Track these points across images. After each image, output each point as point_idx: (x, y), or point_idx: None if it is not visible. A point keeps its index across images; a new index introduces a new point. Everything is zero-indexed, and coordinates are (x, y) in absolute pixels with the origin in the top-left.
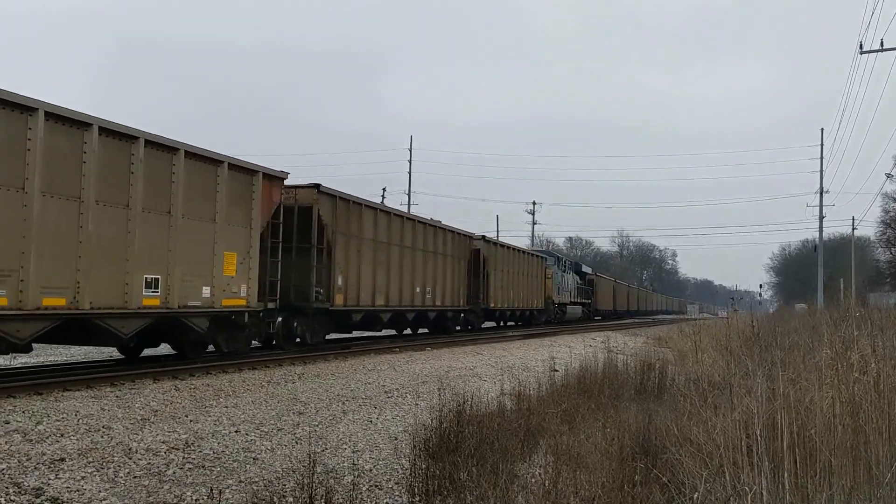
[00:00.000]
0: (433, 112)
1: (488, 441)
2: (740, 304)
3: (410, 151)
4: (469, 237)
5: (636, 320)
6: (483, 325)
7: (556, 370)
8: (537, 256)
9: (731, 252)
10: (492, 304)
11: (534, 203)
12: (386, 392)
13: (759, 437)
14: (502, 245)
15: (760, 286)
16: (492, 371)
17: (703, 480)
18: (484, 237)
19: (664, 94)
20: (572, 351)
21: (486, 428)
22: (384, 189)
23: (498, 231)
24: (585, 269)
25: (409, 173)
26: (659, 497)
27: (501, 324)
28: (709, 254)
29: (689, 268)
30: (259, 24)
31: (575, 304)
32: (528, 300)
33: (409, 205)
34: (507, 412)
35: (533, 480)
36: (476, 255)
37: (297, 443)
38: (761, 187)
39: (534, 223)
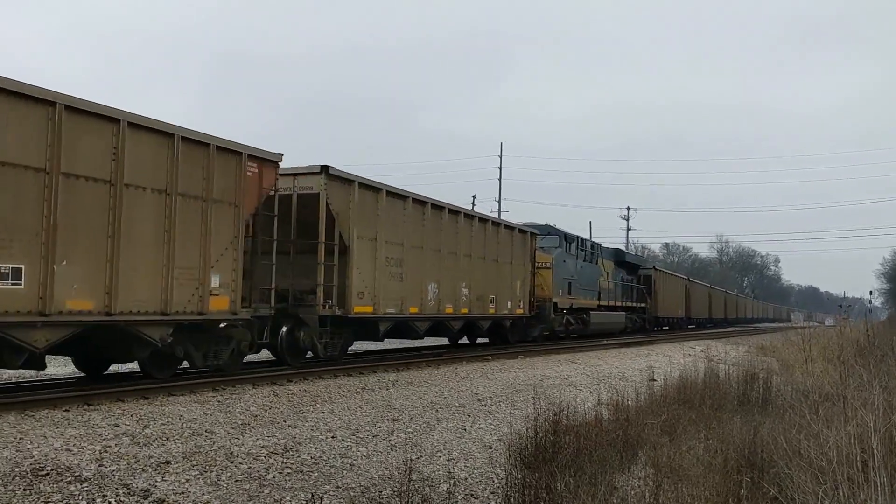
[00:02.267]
0: (523, 116)
1: (586, 451)
2: (850, 312)
3: (501, 158)
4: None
5: (735, 329)
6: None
7: (655, 380)
8: (517, 231)
9: (839, 257)
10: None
11: (628, 209)
12: (479, 400)
13: (875, 452)
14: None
15: (871, 293)
16: (587, 380)
17: (816, 496)
18: None
19: (764, 97)
20: (671, 360)
21: (583, 438)
22: (474, 196)
23: (591, 237)
24: (635, 259)
25: (500, 180)
26: None
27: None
28: (814, 259)
29: (793, 274)
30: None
31: (611, 308)
32: (487, 302)
33: (499, 211)
34: (604, 422)
35: (633, 493)
36: None
37: (392, 450)
38: (870, 190)
39: (628, 229)
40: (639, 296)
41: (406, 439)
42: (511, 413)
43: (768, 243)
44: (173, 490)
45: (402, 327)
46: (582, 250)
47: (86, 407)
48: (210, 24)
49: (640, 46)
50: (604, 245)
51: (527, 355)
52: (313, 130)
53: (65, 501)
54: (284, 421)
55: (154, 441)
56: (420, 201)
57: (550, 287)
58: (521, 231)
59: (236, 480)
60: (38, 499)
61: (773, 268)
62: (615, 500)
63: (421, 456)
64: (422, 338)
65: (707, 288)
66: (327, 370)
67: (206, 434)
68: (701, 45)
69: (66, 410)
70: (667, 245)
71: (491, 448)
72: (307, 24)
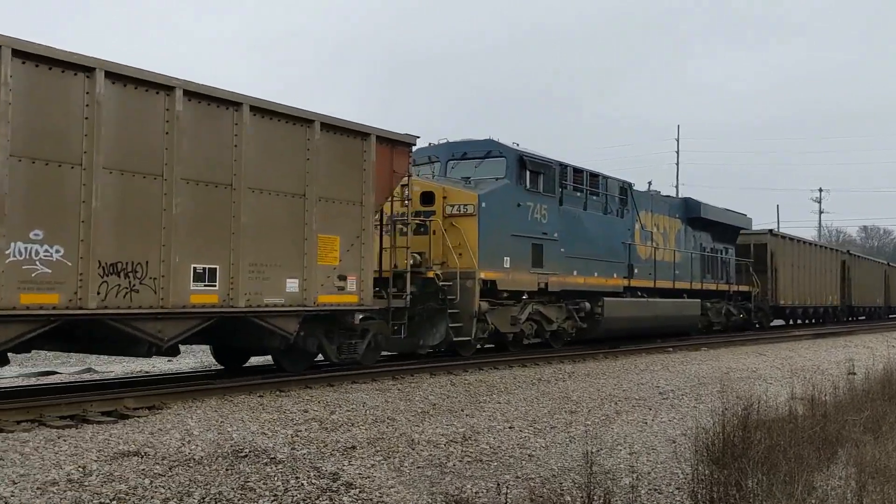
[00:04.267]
0: (701, 94)
1: (779, 448)
2: None
3: (678, 142)
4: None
5: None
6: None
7: (854, 373)
8: (327, 131)
9: None
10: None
11: (820, 190)
12: (660, 393)
13: None
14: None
15: None
16: (778, 373)
17: None
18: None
19: None
20: (873, 352)
21: (776, 434)
22: (649, 183)
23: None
24: (731, 219)
25: (677, 164)
26: None
27: None
28: None
29: None
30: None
31: (667, 292)
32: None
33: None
34: (798, 418)
35: (833, 493)
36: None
37: (571, 441)
38: None
39: (820, 212)
40: (738, 274)
41: (585, 431)
42: (696, 407)
43: None
44: (360, 474)
45: None
46: (580, 191)
47: (278, 393)
48: (363, 33)
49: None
50: (661, 193)
51: (711, 346)
52: (481, 123)
53: (262, 481)
54: (462, 410)
55: (340, 426)
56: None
57: (473, 250)
58: (346, 132)
59: (418, 467)
60: (239, 478)
61: None
62: (814, 501)
63: (601, 449)
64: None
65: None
66: (502, 360)
67: (388, 421)
68: None
69: (260, 396)
70: (865, 228)
71: (675, 442)
72: (465, 18)
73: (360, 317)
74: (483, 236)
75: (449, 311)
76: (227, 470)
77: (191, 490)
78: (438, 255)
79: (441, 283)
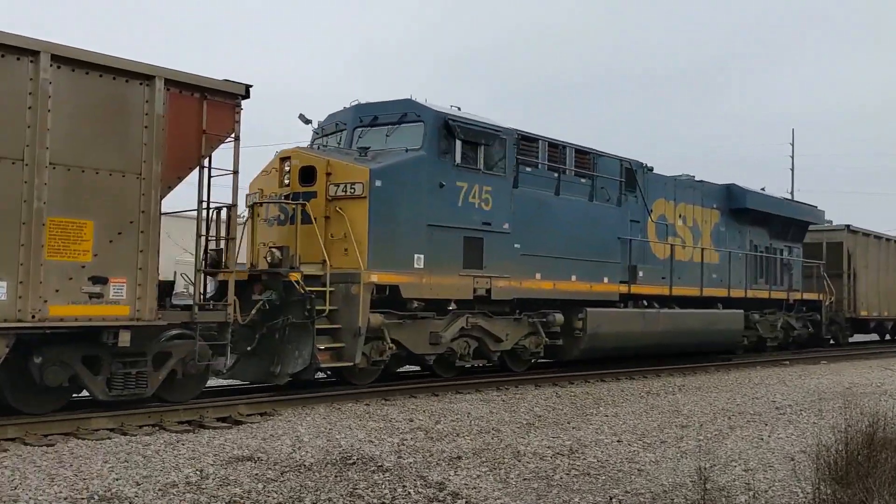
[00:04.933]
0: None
1: None
2: None
3: (793, 146)
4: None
5: None
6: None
7: None
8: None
9: None
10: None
11: None
12: (777, 408)
13: None
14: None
15: None
16: None
17: None
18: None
19: None
20: None
21: None
22: (762, 189)
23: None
24: (790, 211)
25: (792, 170)
26: None
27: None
28: None
29: None
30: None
31: (697, 301)
32: None
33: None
34: None
35: None
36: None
37: (682, 456)
38: None
39: None
40: (807, 280)
41: (698, 446)
42: (815, 423)
43: None
44: (465, 485)
45: None
46: (554, 171)
47: (383, 402)
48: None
49: None
50: (695, 178)
51: (831, 360)
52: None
53: (370, 489)
54: (568, 423)
55: (445, 436)
56: None
57: (361, 244)
58: (108, 72)
59: (524, 479)
60: (347, 485)
61: None
62: None
63: (714, 465)
64: None
65: None
66: (608, 373)
67: (494, 432)
68: None
69: (366, 404)
70: None
71: (793, 460)
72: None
73: (167, 337)
74: (377, 225)
75: (326, 326)
76: (335, 476)
77: (302, 496)
78: (318, 252)
79: (306, 290)
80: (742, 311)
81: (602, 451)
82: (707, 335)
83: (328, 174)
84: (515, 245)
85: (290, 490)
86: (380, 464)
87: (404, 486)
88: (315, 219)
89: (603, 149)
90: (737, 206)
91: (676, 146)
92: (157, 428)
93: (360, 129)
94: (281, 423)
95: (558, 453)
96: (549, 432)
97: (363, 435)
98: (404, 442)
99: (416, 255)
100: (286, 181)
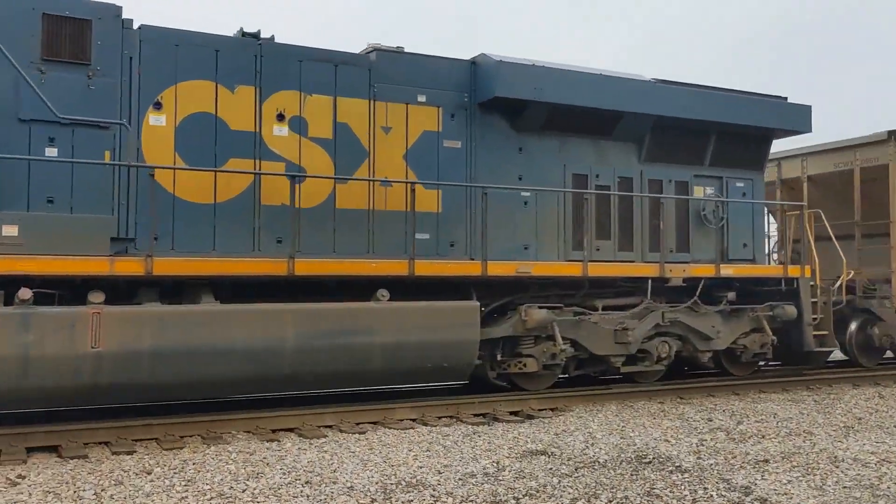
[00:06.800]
0: None
1: None
2: None
3: None
4: None
5: None
6: None
7: None
8: None
9: None
10: None
11: None
12: None
13: None
14: None
15: None
16: None
17: None
18: None
19: None
20: None
21: None
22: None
23: None
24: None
25: None
26: None
27: None
28: None
29: None
30: None
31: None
32: None
33: None
34: None
35: None
36: None
37: None
38: None
39: None
40: (750, 237)
41: None
42: None
43: None
44: (774, 490)
45: None
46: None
47: (678, 400)
48: None
49: None
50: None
51: None
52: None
53: (668, 489)
54: (895, 426)
55: (749, 438)
56: None
57: None
58: None
59: (844, 487)
60: (644, 484)
61: None
62: None
63: None
64: None
65: None
66: None
67: (805, 434)
68: None
69: (660, 402)
70: None
71: None
72: None
73: None
74: None
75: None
76: (631, 475)
77: (597, 492)
78: None
79: None
80: (477, 303)
81: None
82: (327, 362)
83: None
84: None
85: (585, 486)
86: (678, 464)
87: (706, 489)
88: None
89: None
90: (486, 98)
91: None
92: (454, 420)
93: None
94: (572, 419)
95: (884, 460)
96: (872, 436)
97: (658, 434)
98: (703, 442)
99: None
100: None
